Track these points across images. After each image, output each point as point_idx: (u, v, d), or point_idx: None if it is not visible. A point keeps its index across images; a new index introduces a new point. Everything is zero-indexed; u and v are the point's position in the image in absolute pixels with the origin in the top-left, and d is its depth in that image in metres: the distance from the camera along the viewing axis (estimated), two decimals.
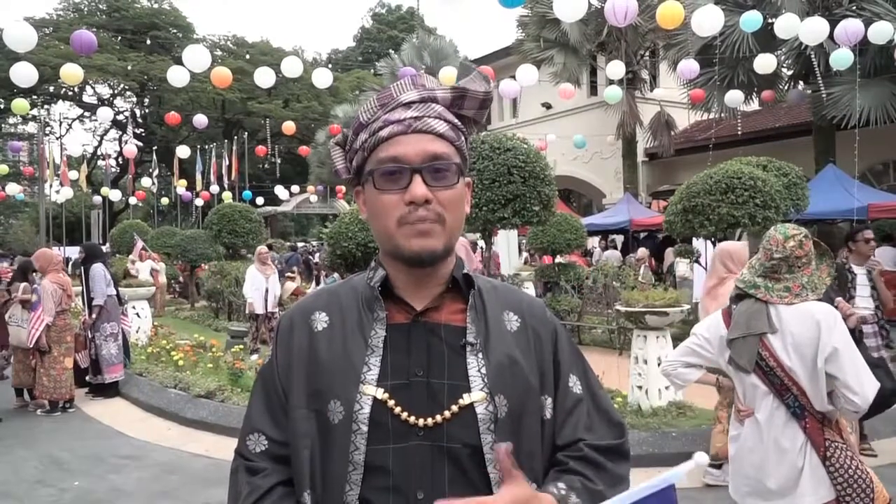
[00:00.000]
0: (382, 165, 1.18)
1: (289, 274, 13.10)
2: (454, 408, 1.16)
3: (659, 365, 6.43)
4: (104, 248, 14.34)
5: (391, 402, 1.15)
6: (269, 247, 14.82)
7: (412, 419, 1.15)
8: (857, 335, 3.28)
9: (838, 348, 2.53)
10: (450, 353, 1.20)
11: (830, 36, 10.01)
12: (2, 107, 32.87)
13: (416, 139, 1.18)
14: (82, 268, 8.48)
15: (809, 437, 2.61)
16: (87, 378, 8.31)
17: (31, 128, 35.60)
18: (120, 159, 37.23)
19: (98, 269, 8.28)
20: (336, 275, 13.79)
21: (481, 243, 9.41)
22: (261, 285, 9.84)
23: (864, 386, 2.52)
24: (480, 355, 1.20)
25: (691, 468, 1.02)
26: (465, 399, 1.16)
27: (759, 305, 2.73)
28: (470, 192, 1.30)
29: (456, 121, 1.24)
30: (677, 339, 8.36)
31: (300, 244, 26.79)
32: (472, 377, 1.18)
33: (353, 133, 1.26)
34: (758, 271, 2.80)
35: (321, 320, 1.26)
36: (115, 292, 8.55)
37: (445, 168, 1.19)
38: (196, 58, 10.65)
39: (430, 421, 1.15)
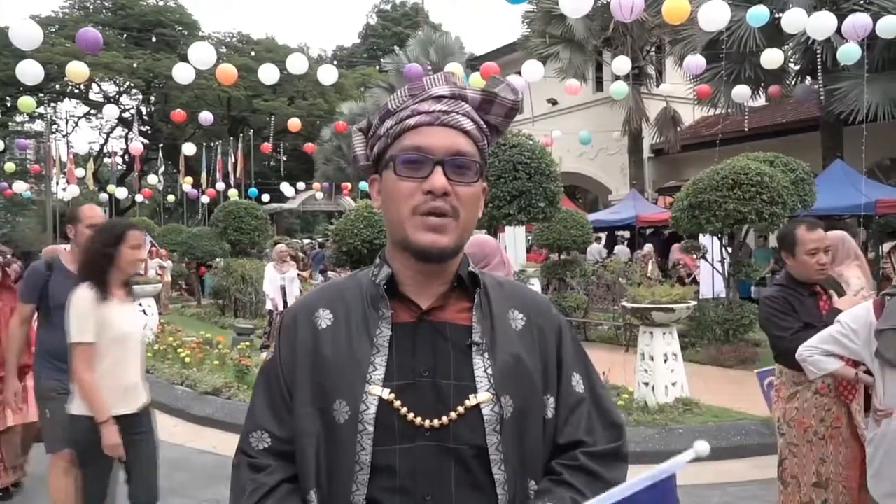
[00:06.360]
0: (405, 153, 1.18)
1: (300, 273, 13.15)
2: (460, 409, 1.15)
3: (665, 361, 6.43)
4: None
5: (397, 403, 1.15)
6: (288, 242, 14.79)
7: (418, 420, 1.14)
8: None
9: None
10: (455, 353, 1.19)
11: (838, 30, 9.95)
12: (8, 105, 32.97)
13: (442, 132, 1.18)
14: None
15: None
16: None
17: (38, 126, 35.63)
18: (126, 157, 37.17)
19: None
20: (334, 273, 13.79)
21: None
22: (277, 282, 10.04)
23: None
24: (486, 355, 1.19)
25: (691, 458, 1.01)
26: (472, 400, 1.16)
27: None
28: (485, 196, 1.30)
29: (482, 122, 1.24)
30: (683, 336, 8.41)
31: (306, 241, 26.81)
32: (478, 378, 1.17)
33: (378, 119, 1.25)
34: None
35: (325, 318, 1.24)
36: None
37: (467, 165, 1.19)
38: (201, 55, 10.66)
39: (436, 422, 1.14)
